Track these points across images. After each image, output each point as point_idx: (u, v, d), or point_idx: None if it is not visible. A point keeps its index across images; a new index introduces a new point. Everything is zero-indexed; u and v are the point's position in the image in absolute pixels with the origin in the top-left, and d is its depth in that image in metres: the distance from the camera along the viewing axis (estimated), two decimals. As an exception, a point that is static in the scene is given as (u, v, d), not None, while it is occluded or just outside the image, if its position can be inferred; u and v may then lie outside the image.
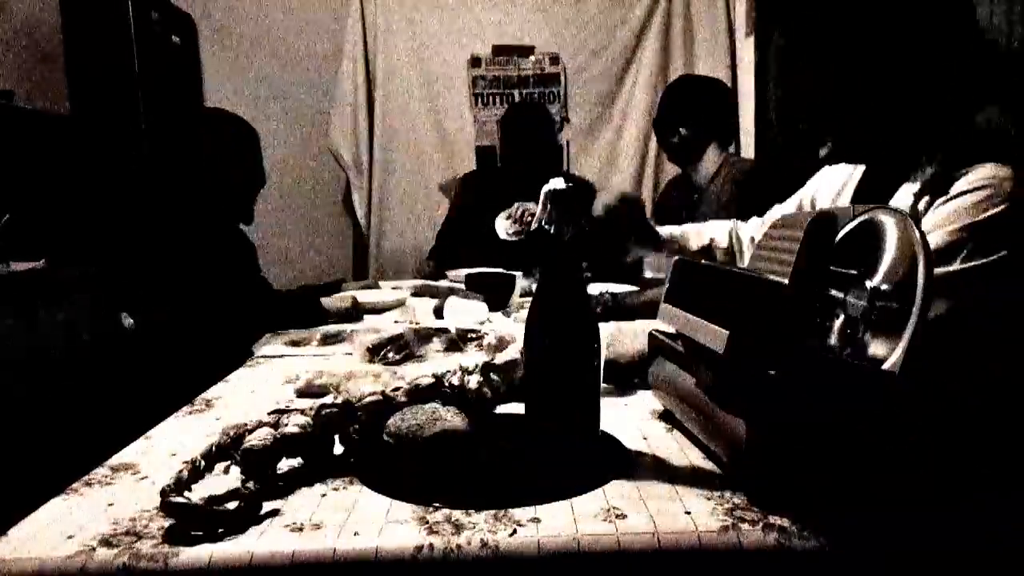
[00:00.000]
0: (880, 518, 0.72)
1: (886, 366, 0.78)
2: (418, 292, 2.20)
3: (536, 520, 0.74)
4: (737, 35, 3.33)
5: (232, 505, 0.75)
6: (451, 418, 0.88)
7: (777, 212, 1.45)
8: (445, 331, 1.55)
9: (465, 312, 1.78)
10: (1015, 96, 1.50)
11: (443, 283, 2.41)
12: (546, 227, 0.86)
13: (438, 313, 1.87)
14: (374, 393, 0.93)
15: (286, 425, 0.86)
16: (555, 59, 3.47)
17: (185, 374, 1.37)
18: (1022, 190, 0.98)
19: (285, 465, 0.86)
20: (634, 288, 2.09)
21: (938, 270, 0.92)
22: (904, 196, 1.08)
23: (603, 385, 0.97)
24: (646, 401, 1.11)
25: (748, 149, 3.21)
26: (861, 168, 1.23)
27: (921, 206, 1.04)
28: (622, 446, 0.94)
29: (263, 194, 2.11)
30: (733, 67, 3.35)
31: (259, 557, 0.69)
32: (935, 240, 0.96)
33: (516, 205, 2.28)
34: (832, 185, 1.30)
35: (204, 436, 0.99)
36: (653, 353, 1.07)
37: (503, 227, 2.30)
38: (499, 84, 3.50)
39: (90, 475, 0.88)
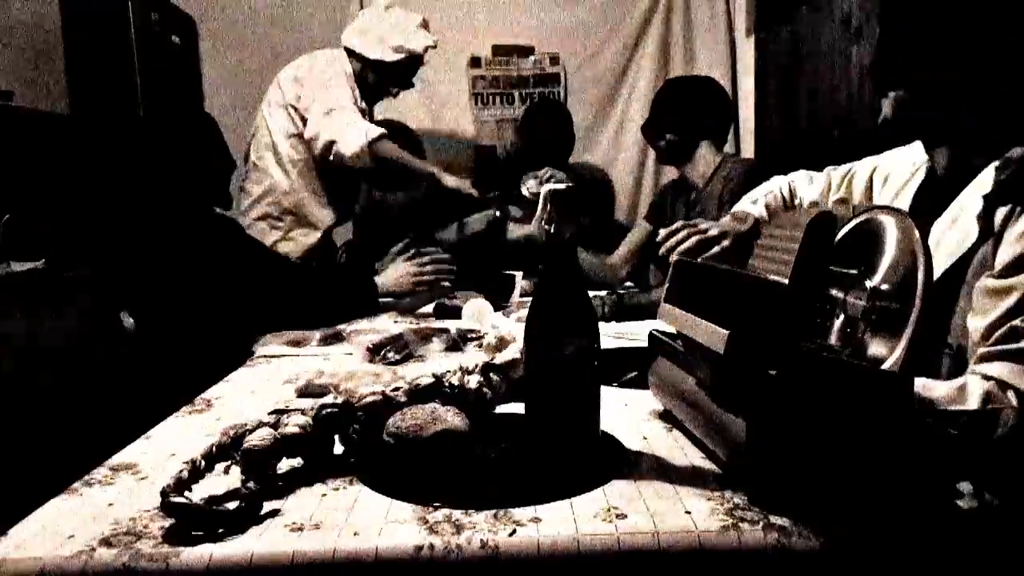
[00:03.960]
0: (880, 518, 0.72)
1: (886, 366, 0.78)
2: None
3: (536, 520, 0.74)
4: (737, 35, 3.33)
5: (232, 505, 0.75)
6: (451, 418, 0.88)
7: (827, 177, 1.37)
8: (445, 331, 1.55)
9: (481, 314, 1.78)
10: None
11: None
12: (546, 227, 0.86)
13: (438, 313, 1.88)
14: (374, 393, 0.93)
15: (286, 425, 0.86)
16: (555, 59, 3.46)
17: (185, 374, 1.37)
18: None
19: (285, 465, 0.86)
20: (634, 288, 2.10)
21: None
22: (974, 197, 0.94)
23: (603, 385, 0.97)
24: (646, 401, 1.11)
25: (748, 149, 3.21)
26: (925, 158, 1.10)
27: (1000, 214, 0.89)
28: (622, 446, 0.94)
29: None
30: (733, 67, 3.34)
31: (259, 557, 0.69)
32: None
33: (546, 169, 2.34)
34: (900, 174, 1.17)
35: (204, 436, 0.99)
36: (653, 353, 1.07)
37: (528, 186, 2.33)
38: (499, 84, 3.49)
39: (90, 475, 0.88)
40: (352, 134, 2.36)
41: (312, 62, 2.52)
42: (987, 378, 0.83)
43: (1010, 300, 0.85)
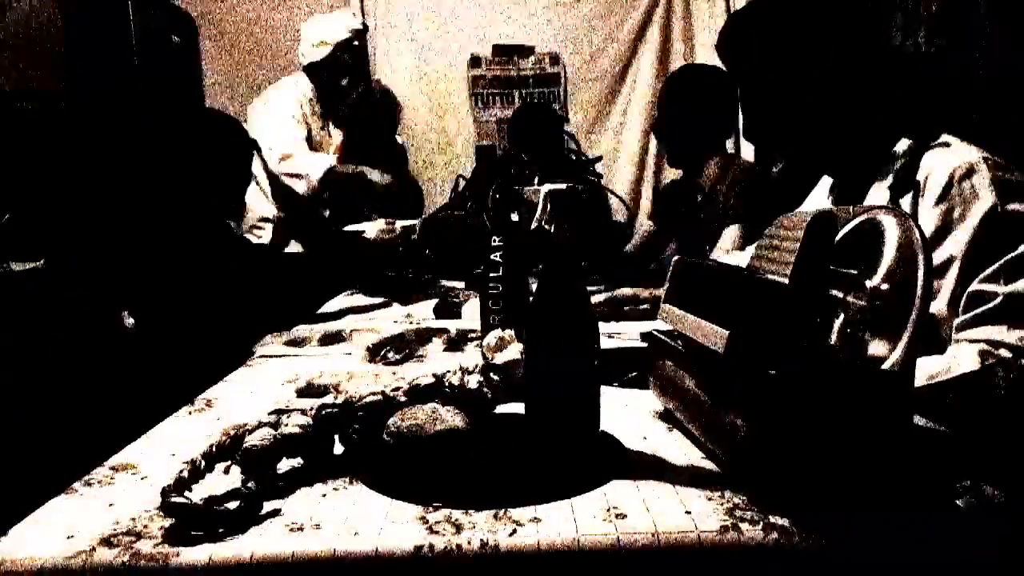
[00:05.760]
0: (880, 518, 0.72)
1: (886, 366, 0.78)
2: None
3: (536, 520, 0.74)
4: (737, 35, 3.34)
5: (232, 505, 0.75)
6: (451, 418, 0.88)
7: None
8: (445, 331, 1.55)
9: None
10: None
11: (444, 282, 2.42)
12: (546, 227, 0.86)
13: (438, 313, 1.88)
14: (374, 393, 0.93)
15: (286, 425, 0.86)
16: (555, 59, 3.47)
17: (185, 374, 1.37)
18: (1001, 174, 0.94)
19: (285, 465, 0.86)
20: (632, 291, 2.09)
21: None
22: (878, 196, 1.04)
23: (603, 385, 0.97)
24: (646, 401, 1.11)
25: (748, 150, 3.21)
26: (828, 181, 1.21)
27: (907, 201, 0.99)
28: (622, 446, 0.94)
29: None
30: (733, 67, 3.35)
31: (259, 557, 0.69)
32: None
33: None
34: (812, 203, 1.29)
35: (204, 436, 0.99)
36: (653, 353, 1.07)
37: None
38: (499, 84, 3.50)
39: (90, 475, 0.88)
40: (300, 173, 2.62)
41: (268, 94, 2.78)
42: (974, 341, 0.85)
43: (954, 269, 0.90)
